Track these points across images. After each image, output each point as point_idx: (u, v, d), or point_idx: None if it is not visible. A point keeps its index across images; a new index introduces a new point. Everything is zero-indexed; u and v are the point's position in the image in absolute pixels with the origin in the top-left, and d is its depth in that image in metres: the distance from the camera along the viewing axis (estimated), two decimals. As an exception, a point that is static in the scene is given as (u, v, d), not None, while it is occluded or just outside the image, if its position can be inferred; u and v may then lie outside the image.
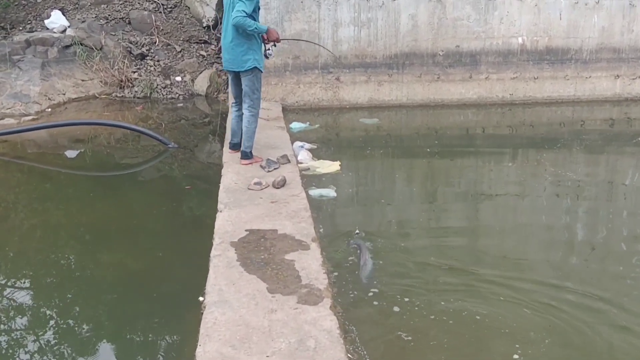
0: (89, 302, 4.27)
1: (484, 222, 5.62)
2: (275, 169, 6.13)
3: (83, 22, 11.04)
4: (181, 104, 9.98)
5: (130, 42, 10.91)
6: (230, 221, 4.84)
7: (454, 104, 9.55)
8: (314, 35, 9.05)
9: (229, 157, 6.48)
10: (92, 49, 10.31)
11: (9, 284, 4.57)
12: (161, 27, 11.27)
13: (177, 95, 10.22)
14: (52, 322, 4.06)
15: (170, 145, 7.28)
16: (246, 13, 5.56)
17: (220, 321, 3.43)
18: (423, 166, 7.13)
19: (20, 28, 11.58)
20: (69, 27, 10.71)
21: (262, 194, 5.47)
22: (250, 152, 6.20)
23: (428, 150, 7.66)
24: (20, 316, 4.11)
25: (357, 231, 5.12)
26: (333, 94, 9.31)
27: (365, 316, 3.87)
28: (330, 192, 5.74)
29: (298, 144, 7.21)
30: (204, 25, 11.20)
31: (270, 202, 5.26)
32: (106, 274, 4.65)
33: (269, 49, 6.03)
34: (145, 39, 11.08)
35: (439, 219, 5.63)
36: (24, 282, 4.62)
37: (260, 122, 7.78)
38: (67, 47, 10.19)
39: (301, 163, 6.60)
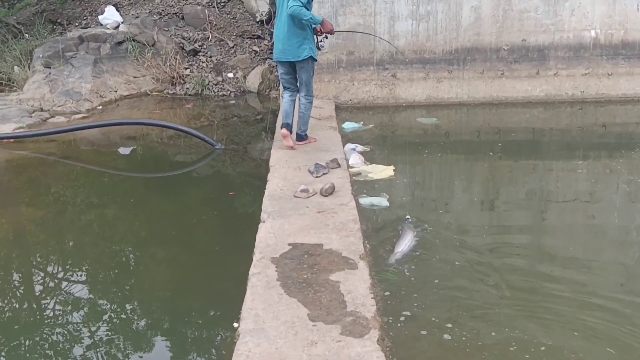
0: (111, 324, 3.99)
1: (552, 235, 5.07)
2: (324, 174, 5.75)
3: (136, 17, 10.95)
4: (232, 101, 9.74)
5: (183, 38, 10.74)
6: (272, 233, 4.49)
7: (519, 102, 8.93)
8: (369, 30, 8.60)
9: (276, 160, 6.15)
10: (145, 45, 10.19)
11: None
12: (214, 22, 11.07)
13: (229, 92, 9.98)
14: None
15: (217, 147, 7.00)
16: (302, 3, 5.78)
17: (254, 354, 3.08)
18: (485, 171, 6.60)
19: (77, 24, 11.61)
20: (122, 22, 10.63)
21: (308, 202, 5.10)
22: (305, 134, 6.56)
23: (491, 153, 7.12)
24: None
25: (408, 217, 5.00)
26: (389, 92, 8.86)
27: (416, 350, 3.44)
28: (382, 201, 5.31)
29: (350, 146, 6.80)
30: (257, 19, 10.93)
31: (316, 211, 4.89)
32: (135, 291, 4.39)
33: (321, 41, 6.26)
34: (198, 34, 10.90)
35: (502, 232, 5.11)
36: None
37: (312, 121, 7.47)
38: (120, 43, 10.10)
39: (352, 167, 6.20)
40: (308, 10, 5.89)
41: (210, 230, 5.28)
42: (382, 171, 6.05)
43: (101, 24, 10.70)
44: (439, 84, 8.84)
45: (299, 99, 6.37)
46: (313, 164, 5.83)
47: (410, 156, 7.12)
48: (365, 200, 5.32)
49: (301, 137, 6.53)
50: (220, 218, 5.46)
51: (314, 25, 6.05)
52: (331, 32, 6.21)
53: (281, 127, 6.35)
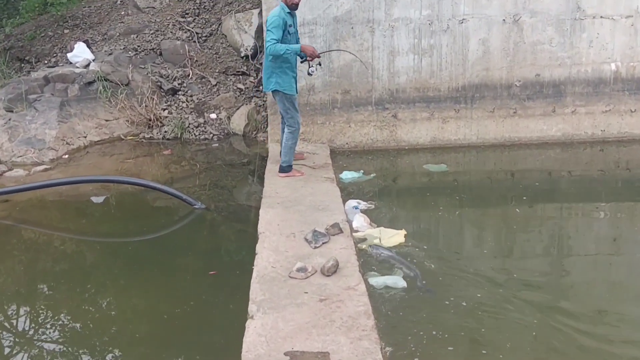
0: None
1: (577, 299, 4.13)
2: (324, 243, 4.79)
3: (110, 54, 10.03)
4: (216, 144, 8.79)
5: (161, 76, 9.82)
6: (264, 336, 3.50)
7: (533, 142, 8.07)
8: (366, 66, 7.72)
9: (266, 224, 5.19)
10: (118, 84, 9.24)
11: None
12: (195, 58, 10.18)
13: (211, 135, 9.03)
14: None
15: (197, 206, 6.01)
16: (276, 40, 5.87)
17: None
18: (509, 228, 5.67)
19: (46, 61, 10.68)
20: (93, 60, 9.70)
21: (307, 285, 4.13)
22: (288, 165, 6.41)
23: (512, 203, 6.24)
24: None
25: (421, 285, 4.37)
26: (389, 134, 7.96)
27: None
28: (398, 281, 4.34)
29: (352, 203, 5.86)
30: (242, 54, 10.05)
31: (318, 299, 3.92)
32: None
33: (312, 66, 6.28)
34: (178, 71, 9.99)
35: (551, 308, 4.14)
36: None
37: (306, 171, 6.58)
38: (90, 83, 9.16)
39: (357, 231, 5.25)
40: (290, 41, 6.08)
41: (184, 334, 4.08)
42: (392, 237, 5.10)
43: (70, 62, 9.76)
44: (445, 125, 7.96)
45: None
46: (310, 231, 4.87)
47: (421, 213, 6.15)
48: (377, 281, 4.35)
49: (282, 169, 6.42)
50: (196, 314, 4.30)
51: (297, 55, 6.15)
52: (315, 56, 6.08)
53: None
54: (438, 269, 4.65)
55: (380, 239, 5.06)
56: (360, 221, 5.35)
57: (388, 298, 4.18)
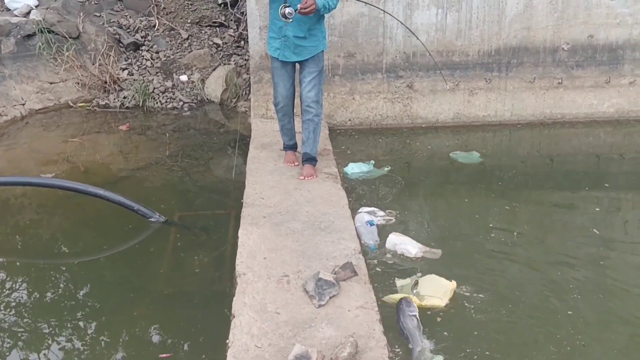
0: None
1: None
2: (331, 297, 3.28)
3: (57, -1, 8.17)
4: (187, 113, 7.15)
5: (120, 27, 8.05)
6: None
7: (579, 120, 6.51)
8: (377, 22, 6.06)
9: (247, 258, 3.65)
10: (66, 38, 7.46)
11: None
12: (163, 5, 8.40)
13: (181, 102, 7.36)
14: None
15: (154, 219, 4.42)
16: None
17: None
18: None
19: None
20: (36, 7, 7.85)
21: (312, 392, 2.63)
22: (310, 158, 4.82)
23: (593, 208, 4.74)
24: None
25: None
26: (403, 108, 6.35)
27: None
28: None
29: (364, 217, 4.34)
30: (220, 1, 8.28)
31: None
32: None
33: (288, 5, 4.23)
34: (141, 21, 8.23)
35: None
36: None
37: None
38: (30, 36, 7.38)
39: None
40: None
41: None
42: (442, 291, 3.53)
43: (8, 9, 7.92)
44: (472, 98, 6.36)
45: None
46: (312, 278, 3.34)
47: (462, 230, 4.49)
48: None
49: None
50: None
51: None
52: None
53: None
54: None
55: (424, 294, 3.50)
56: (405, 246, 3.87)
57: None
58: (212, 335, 3.29)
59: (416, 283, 3.53)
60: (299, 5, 4.16)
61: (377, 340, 2.96)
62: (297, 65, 4.65)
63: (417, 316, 3.24)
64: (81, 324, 3.47)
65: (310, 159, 4.79)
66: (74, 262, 4.16)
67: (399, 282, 3.65)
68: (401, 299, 3.38)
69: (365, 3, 5.50)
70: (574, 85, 6.38)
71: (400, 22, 5.78)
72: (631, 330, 3.34)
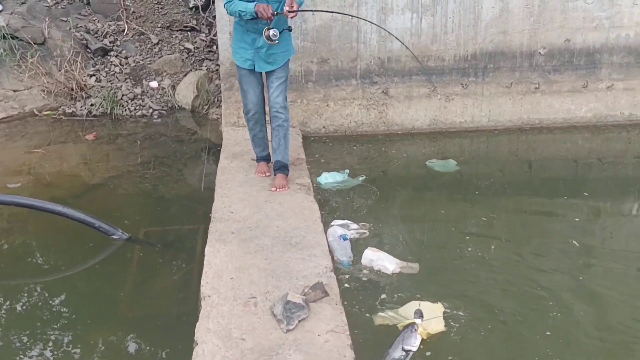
0: None
1: None
2: (300, 321, 3.10)
3: (23, 3, 7.90)
4: (158, 120, 6.94)
5: (88, 32, 7.80)
6: None
7: (557, 126, 6.42)
8: (350, 27, 5.90)
9: (213, 279, 3.47)
10: (30, 44, 7.20)
11: None
12: (132, 9, 8.15)
13: (151, 110, 7.14)
14: None
15: (116, 236, 4.21)
16: None
17: None
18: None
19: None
20: (0, 11, 7.58)
21: None
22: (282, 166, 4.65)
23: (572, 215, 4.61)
24: None
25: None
26: (378, 115, 6.21)
27: None
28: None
29: (337, 231, 4.17)
30: (191, 4, 8.07)
31: None
32: None
33: (271, 27, 4.17)
34: (110, 25, 7.98)
35: None
36: None
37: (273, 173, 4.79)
38: (-7, 42, 7.10)
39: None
40: None
41: None
42: (438, 315, 3.34)
43: (-30, 14, 7.64)
44: (449, 103, 6.24)
45: None
46: (280, 301, 3.17)
47: (441, 244, 4.36)
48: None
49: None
50: None
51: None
52: (270, 18, 4.10)
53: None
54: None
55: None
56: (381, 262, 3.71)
57: None
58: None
59: (418, 312, 3.31)
60: (286, 8, 4.08)
61: (350, 372, 2.80)
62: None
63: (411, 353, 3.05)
64: (30, 353, 3.25)
65: (282, 167, 4.62)
66: (27, 283, 3.93)
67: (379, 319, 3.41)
68: (407, 326, 3.19)
69: (334, 13, 5.37)
70: (551, 90, 6.29)
71: (379, 26, 5.62)
72: (619, 338, 3.22)
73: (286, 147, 4.59)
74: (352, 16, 5.58)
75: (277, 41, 4.21)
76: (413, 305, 3.38)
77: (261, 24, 4.20)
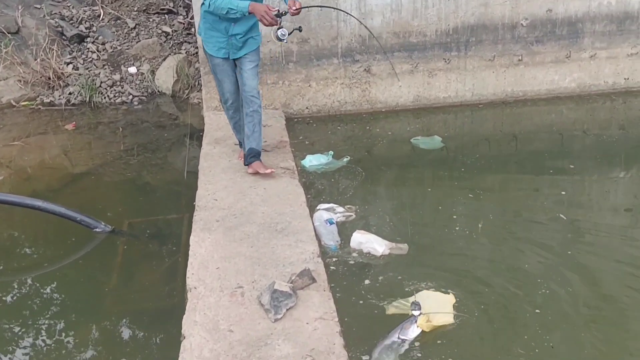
0: None
1: None
2: (288, 309, 3.07)
3: (-6, -9, 7.70)
4: (139, 106, 6.83)
5: (62, 18, 7.64)
6: None
7: (541, 97, 6.39)
8: (328, 4, 5.78)
9: (199, 269, 3.43)
10: (4, 33, 7.04)
11: None
12: (107, -7, 7.96)
13: (131, 96, 7.02)
14: None
15: (99, 229, 4.15)
16: None
17: None
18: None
19: None
20: (-30, 0, 7.38)
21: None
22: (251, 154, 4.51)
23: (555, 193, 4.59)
24: None
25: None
26: (361, 94, 6.14)
27: None
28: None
29: (323, 215, 4.14)
30: (167, -13, 7.91)
31: None
32: None
33: (281, 27, 4.11)
34: (85, 11, 7.81)
35: None
36: None
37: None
38: (-36, 33, 6.92)
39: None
40: None
41: None
42: (448, 307, 3.28)
43: (-60, 4, 7.44)
44: (432, 79, 6.17)
45: None
46: (267, 290, 3.13)
47: (429, 223, 4.32)
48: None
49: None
50: None
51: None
52: (270, 23, 4.00)
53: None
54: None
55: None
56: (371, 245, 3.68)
57: None
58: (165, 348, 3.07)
59: (416, 304, 3.25)
60: (292, 9, 4.01)
61: (337, 355, 2.78)
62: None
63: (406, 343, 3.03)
64: (15, 349, 3.20)
65: (256, 155, 4.51)
66: (9, 281, 3.86)
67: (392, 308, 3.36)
68: (410, 317, 3.15)
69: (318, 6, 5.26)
70: (535, 61, 6.24)
71: (357, 19, 5.52)
72: (613, 306, 3.27)
73: (260, 134, 4.48)
74: (328, 7, 5.43)
75: (285, 40, 4.17)
76: (425, 295, 3.35)
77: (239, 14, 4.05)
